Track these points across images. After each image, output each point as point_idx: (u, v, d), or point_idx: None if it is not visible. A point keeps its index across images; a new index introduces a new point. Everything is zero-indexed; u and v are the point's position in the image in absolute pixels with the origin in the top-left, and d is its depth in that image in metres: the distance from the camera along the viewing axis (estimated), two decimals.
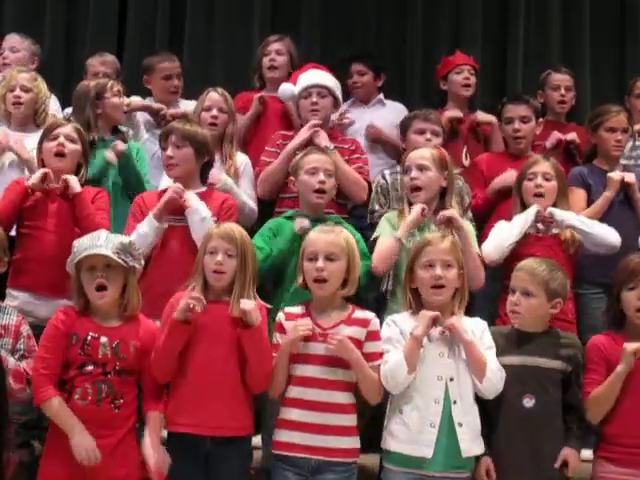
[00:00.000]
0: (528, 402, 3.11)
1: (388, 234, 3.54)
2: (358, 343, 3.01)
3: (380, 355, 3.03)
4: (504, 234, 3.70)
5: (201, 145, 3.67)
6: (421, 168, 3.58)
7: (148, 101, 4.73)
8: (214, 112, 4.16)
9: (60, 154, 3.65)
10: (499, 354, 3.13)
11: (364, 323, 3.05)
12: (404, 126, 4.19)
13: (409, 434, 2.99)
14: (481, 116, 4.69)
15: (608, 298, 3.38)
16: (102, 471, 2.90)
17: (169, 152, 3.62)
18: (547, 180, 3.76)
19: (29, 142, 4.07)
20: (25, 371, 3.02)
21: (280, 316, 3.11)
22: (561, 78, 4.88)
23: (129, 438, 2.99)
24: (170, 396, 3.04)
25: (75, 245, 3.05)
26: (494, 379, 3.02)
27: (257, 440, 3.59)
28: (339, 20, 5.33)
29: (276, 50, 4.69)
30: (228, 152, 4.13)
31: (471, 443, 3.00)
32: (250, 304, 2.97)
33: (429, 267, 3.07)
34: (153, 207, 3.54)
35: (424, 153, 3.64)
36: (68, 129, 3.69)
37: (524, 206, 3.79)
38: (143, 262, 3.13)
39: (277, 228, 3.56)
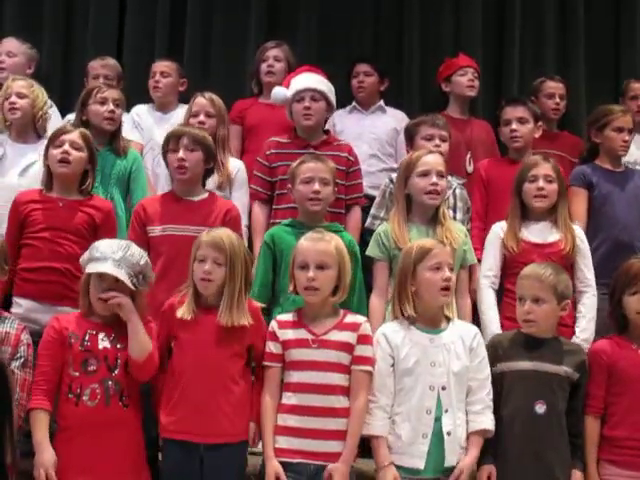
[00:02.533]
0: (540, 408, 3.12)
1: (380, 256, 3.56)
2: (350, 347, 3.04)
3: (370, 360, 3.05)
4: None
5: (209, 150, 3.68)
6: (441, 175, 3.60)
7: (150, 106, 4.78)
8: (201, 117, 4.16)
9: (64, 161, 3.62)
10: (507, 359, 3.17)
11: (355, 327, 3.07)
12: (410, 132, 4.16)
13: (401, 445, 3.02)
14: None
15: (610, 302, 3.37)
16: (112, 474, 2.95)
17: (181, 154, 3.59)
18: (549, 182, 3.71)
19: (31, 154, 4.08)
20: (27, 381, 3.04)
21: (273, 324, 3.13)
22: (555, 86, 4.89)
23: (138, 439, 3.03)
24: (163, 404, 3.06)
25: (94, 247, 3.07)
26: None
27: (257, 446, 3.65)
28: (336, 22, 5.32)
29: (274, 56, 4.71)
30: (220, 157, 4.09)
31: (454, 453, 3.02)
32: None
33: (437, 270, 3.08)
34: (154, 216, 3.56)
35: (440, 160, 3.65)
36: (74, 135, 3.65)
37: (523, 207, 3.76)
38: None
39: (275, 241, 3.53)
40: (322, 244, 3.08)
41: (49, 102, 4.33)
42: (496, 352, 3.19)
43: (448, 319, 3.16)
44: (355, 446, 3.02)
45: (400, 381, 3.05)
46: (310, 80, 4.19)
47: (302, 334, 3.07)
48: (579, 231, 3.75)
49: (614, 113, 4.25)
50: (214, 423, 3.00)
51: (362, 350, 3.05)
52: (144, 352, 2.98)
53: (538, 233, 3.71)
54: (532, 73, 5.12)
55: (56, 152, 3.61)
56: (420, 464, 2.98)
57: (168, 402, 3.05)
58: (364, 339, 3.06)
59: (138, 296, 3.07)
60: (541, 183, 3.70)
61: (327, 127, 4.35)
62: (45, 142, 3.87)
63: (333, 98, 4.25)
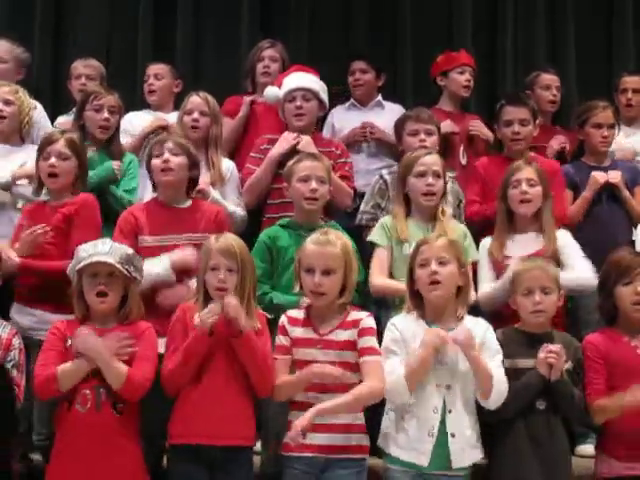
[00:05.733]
0: (540, 404, 3.12)
1: (383, 242, 3.59)
2: (352, 345, 3.03)
3: (374, 349, 3.01)
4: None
5: (193, 158, 3.64)
6: (437, 175, 3.61)
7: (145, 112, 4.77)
8: (195, 115, 4.14)
9: (52, 175, 3.58)
10: (511, 357, 3.16)
11: (356, 323, 3.06)
12: (398, 128, 4.17)
13: (408, 441, 3.01)
14: (475, 130, 4.66)
15: (600, 294, 3.37)
16: None
17: (167, 156, 3.55)
18: (531, 186, 3.68)
19: (16, 157, 4.05)
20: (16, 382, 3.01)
21: (283, 319, 3.12)
22: (551, 78, 4.90)
23: (134, 447, 2.99)
24: (173, 409, 3.03)
25: (79, 251, 3.06)
26: (500, 393, 3.02)
27: (259, 446, 3.60)
28: (328, 19, 5.35)
29: (269, 56, 4.71)
30: (212, 156, 4.09)
31: (462, 454, 3.00)
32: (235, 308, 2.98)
33: (425, 265, 3.08)
34: (144, 225, 3.49)
35: (437, 160, 3.66)
36: (59, 145, 3.60)
37: (510, 213, 3.73)
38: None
39: (272, 241, 3.52)
40: (328, 248, 3.05)
41: (33, 104, 4.29)
42: None
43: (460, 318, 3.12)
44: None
45: None
46: (302, 79, 4.19)
47: (309, 333, 3.07)
48: (562, 232, 3.72)
49: (593, 109, 4.27)
50: (227, 426, 2.98)
51: (365, 342, 3.02)
52: (120, 380, 2.93)
53: (523, 245, 3.68)
54: (524, 71, 5.11)
55: (44, 165, 3.59)
56: (425, 461, 2.98)
57: (178, 407, 3.02)
58: (365, 332, 3.03)
59: (132, 287, 3.07)
60: (524, 187, 3.68)
61: (325, 125, 4.40)
62: (31, 147, 3.99)
63: (325, 97, 4.25)
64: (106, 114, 4.07)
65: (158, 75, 4.81)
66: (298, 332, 3.08)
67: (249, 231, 3.91)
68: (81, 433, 2.91)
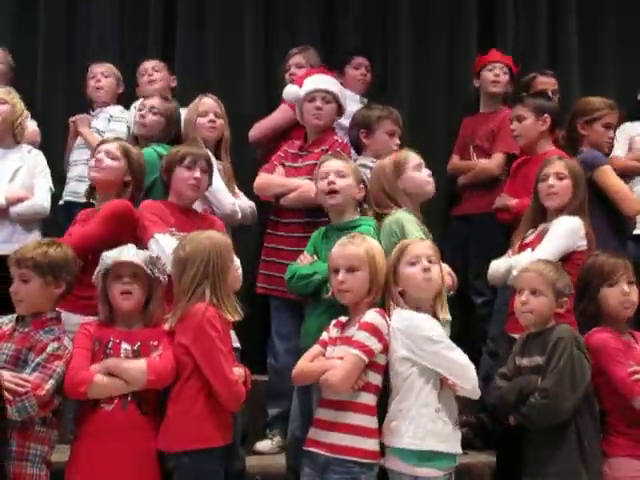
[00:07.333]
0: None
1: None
2: (352, 340, 3.05)
3: (354, 341, 3.01)
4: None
5: (212, 171, 3.74)
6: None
7: None
8: (211, 117, 4.15)
9: (97, 167, 3.62)
10: (515, 356, 3.27)
11: (364, 320, 3.07)
12: (371, 123, 4.07)
13: (448, 431, 3.02)
14: None
15: (582, 299, 3.32)
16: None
17: (198, 175, 3.60)
18: (560, 179, 3.68)
19: (10, 159, 4.12)
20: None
21: (324, 335, 3.18)
22: (548, 81, 4.89)
23: (152, 447, 3.03)
24: (202, 415, 3.02)
25: (103, 257, 3.13)
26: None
27: (261, 445, 3.79)
28: (325, 19, 5.38)
29: (296, 63, 4.68)
30: (223, 157, 4.16)
31: None
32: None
33: (414, 264, 3.09)
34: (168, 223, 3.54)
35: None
36: (110, 145, 3.66)
37: (542, 207, 3.76)
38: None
39: (312, 243, 3.59)
40: (351, 248, 3.13)
41: (26, 112, 4.31)
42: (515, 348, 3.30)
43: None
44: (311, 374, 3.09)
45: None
46: (322, 81, 4.19)
47: (336, 333, 3.15)
48: (564, 218, 3.65)
49: (606, 109, 4.21)
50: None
51: (356, 334, 3.03)
52: (143, 372, 3.00)
53: None
54: (524, 71, 5.07)
55: (91, 160, 3.66)
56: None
57: (207, 410, 3.02)
58: (361, 325, 3.03)
59: (156, 289, 3.14)
60: (551, 181, 3.68)
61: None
62: (24, 147, 4.11)
63: (344, 101, 4.24)
64: (143, 113, 4.18)
65: (156, 67, 4.88)
66: (334, 333, 3.15)
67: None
68: (106, 430, 2.97)
